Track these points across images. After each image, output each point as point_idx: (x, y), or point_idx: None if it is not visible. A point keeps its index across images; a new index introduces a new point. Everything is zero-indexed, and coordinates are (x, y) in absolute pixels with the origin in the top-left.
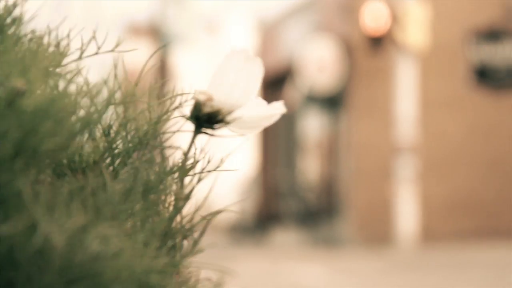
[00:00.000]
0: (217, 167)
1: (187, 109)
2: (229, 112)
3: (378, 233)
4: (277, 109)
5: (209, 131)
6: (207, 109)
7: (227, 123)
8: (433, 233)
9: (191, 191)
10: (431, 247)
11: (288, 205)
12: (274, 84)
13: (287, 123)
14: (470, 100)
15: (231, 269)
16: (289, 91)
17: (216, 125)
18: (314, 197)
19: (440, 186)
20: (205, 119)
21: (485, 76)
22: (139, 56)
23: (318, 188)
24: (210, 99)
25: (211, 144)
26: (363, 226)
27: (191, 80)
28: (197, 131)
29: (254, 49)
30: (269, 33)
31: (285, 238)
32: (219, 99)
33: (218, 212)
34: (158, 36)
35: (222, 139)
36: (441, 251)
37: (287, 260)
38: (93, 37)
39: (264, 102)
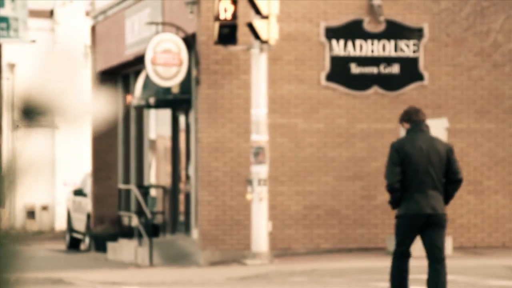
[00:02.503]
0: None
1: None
2: (53, 106)
3: (227, 248)
4: (104, 104)
5: (32, 124)
6: (31, 103)
7: (51, 116)
8: (285, 243)
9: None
10: (284, 260)
11: (130, 217)
12: (113, 79)
13: (128, 124)
14: (326, 101)
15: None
16: (133, 87)
17: (39, 118)
18: (159, 208)
19: (294, 193)
20: (29, 112)
21: (339, 75)
22: None
23: (164, 198)
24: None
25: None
26: (211, 240)
27: (25, 73)
28: (24, 125)
29: (91, 42)
30: (110, 25)
31: (125, 254)
32: (43, 93)
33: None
34: None
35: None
36: (294, 262)
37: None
38: None
39: (97, 97)
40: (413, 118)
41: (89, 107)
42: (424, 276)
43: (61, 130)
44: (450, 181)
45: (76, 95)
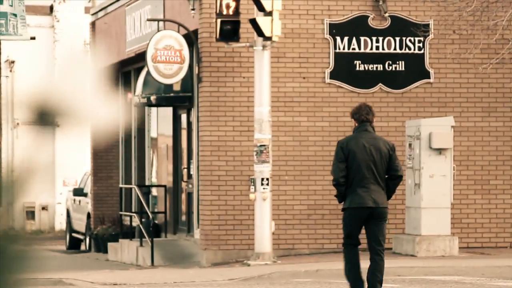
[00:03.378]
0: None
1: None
2: (64, 108)
3: (229, 248)
4: (111, 105)
5: (46, 126)
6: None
7: (62, 118)
8: (289, 244)
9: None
10: (287, 260)
11: (131, 217)
12: (114, 76)
13: (129, 122)
14: (330, 99)
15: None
16: (134, 85)
17: (53, 121)
18: (161, 208)
19: (298, 193)
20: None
21: (346, 71)
22: None
23: (166, 198)
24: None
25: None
26: (213, 241)
27: (27, 72)
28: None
29: (91, 38)
30: (110, 21)
31: (126, 255)
32: (53, 96)
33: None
34: None
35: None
36: (297, 263)
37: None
38: None
39: (102, 97)
40: (361, 118)
41: (98, 110)
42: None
43: (61, 128)
44: (391, 177)
45: (85, 97)
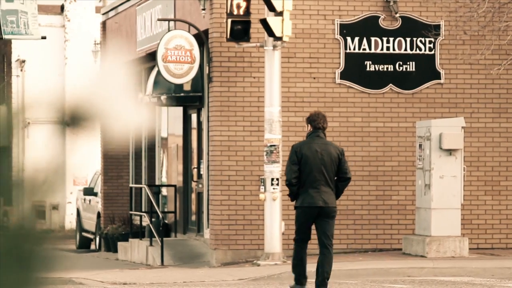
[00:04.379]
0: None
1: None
2: (95, 112)
3: (239, 248)
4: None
5: (76, 131)
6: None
7: (91, 122)
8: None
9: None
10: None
11: (141, 217)
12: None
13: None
14: (340, 99)
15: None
16: (144, 85)
17: (82, 125)
18: (170, 208)
19: None
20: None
21: (357, 71)
22: None
23: (176, 197)
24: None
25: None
26: (223, 240)
27: (38, 72)
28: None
29: (101, 38)
30: (121, 21)
31: (135, 254)
32: (90, 101)
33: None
34: None
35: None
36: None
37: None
38: None
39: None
40: (314, 124)
41: (134, 117)
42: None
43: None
44: (340, 179)
45: (121, 104)
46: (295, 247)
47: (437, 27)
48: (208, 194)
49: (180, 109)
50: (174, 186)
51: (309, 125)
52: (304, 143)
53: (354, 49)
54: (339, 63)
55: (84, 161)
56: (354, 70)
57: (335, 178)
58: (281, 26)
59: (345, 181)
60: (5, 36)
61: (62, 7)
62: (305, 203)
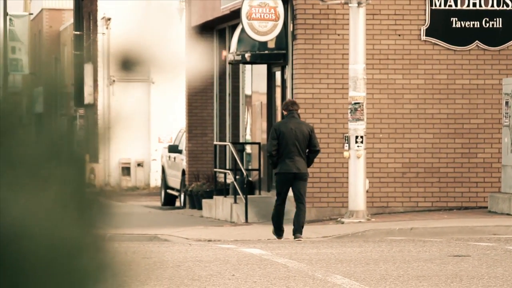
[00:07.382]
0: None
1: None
2: (150, 58)
3: (323, 206)
4: (199, 57)
5: (129, 76)
6: (128, 56)
7: (147, 67)
8: (383, 202)
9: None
10: (381, 218)
11: (225, 174)
12: (209, 33)
13: (224, 79)
14: (425, 56)
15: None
16: (228, 42)
17: (136, 70)
18: (254, 166)
19: (392, 151)
20: (126, 64)
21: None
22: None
23: (260, 155)
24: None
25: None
26: (307, 198)
27: (118, 25)
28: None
29: None
30: None
31: (220, 211)
32: (139, 45)
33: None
34: None
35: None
36: (391, 221)
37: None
38: None
39: (191, 50)
40: (289, 108)
41: (183, 59)
42: None
43: (156, 85)
44: (311, 151)
45: (170, 47)
46: (276, 206)
47: None
48: None
49: (264, 67)
50: (258, 143)
51: (284, 110)
52: (282, 122)
53: (439, 5)
54: (425, 20)
55: (169, 119)
56: (440, 26)
57: (307, 150)
58: None
59: (314, 152)
60: None
61: None
62: (283, 170)
